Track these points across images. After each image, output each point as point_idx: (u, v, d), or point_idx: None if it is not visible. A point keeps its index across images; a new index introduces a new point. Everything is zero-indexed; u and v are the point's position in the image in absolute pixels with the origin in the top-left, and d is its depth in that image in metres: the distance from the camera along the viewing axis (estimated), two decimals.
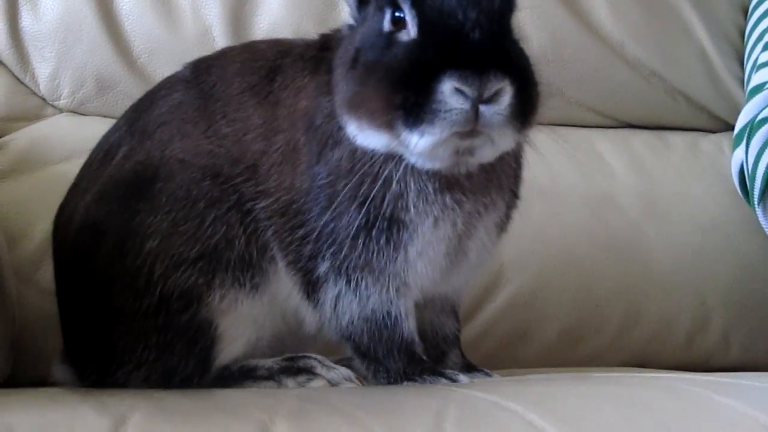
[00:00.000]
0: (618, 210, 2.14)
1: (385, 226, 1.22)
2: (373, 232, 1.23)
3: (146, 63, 2.21)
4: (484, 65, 1.05)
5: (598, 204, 2.15)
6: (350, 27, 1.28)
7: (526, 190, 1.41)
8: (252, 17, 2.23)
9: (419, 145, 1.08)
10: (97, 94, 2.22)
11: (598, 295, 2.04)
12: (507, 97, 1.06)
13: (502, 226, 1.35)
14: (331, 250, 1.26)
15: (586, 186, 2.18)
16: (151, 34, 2.20)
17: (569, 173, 2.19)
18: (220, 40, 2.19)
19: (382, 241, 1.23)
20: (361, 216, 1.22)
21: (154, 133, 1.38)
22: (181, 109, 1.38)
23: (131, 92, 2.13)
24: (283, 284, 1.35)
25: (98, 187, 1.37)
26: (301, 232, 1.29)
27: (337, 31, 1.36)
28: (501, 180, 1.29)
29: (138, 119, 1.43)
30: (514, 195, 1.35)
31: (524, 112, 1.10)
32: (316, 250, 1.28)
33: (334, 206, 1.23)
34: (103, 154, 1.43)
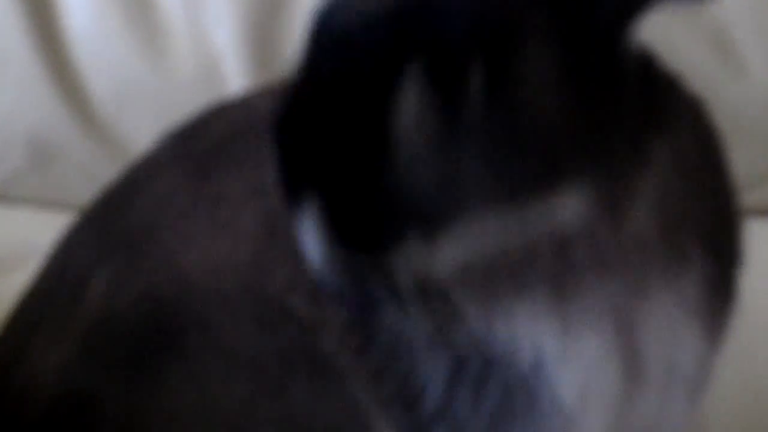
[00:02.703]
0: None
1: None
2: None
3: (113, 118, 1.75)
4: None
5: None
6: None
7: None
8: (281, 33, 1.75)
9: None
10: (32, 167, 1.80)
11: None
12: None
13: None
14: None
15: None
16: (120, 72, 1.74)
17: None
18: (236, 77, 1.75)
19: None
20: None
21: (147, 246, 1.06)
22: (174, 200, 1.08)
23: (88, 165, 1.75)
24: None
25: (77, 336, 1.06)
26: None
27: None
28: None
29: (111, 226, 1.11)
30: None
31: None
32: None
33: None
34: (67, 286, 1.10)
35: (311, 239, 0.78)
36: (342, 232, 0.78)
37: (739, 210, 0.95)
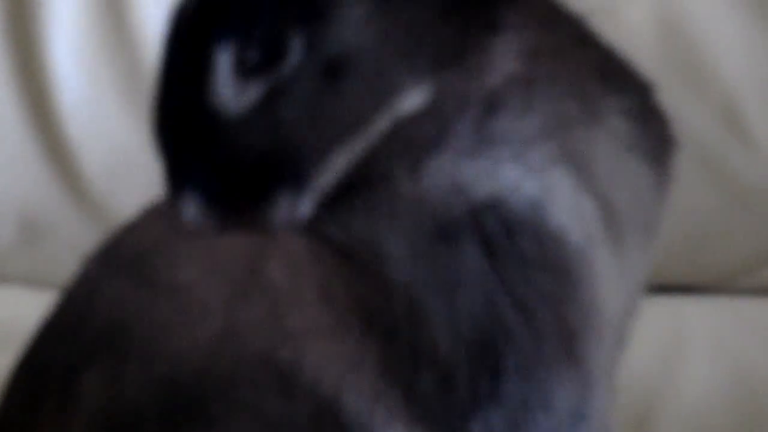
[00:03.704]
0: None
1: None
2: None
3: (105, 195, 1.74)
4: None
5: None
6: None
7: None
8: None
9: None
10: (23, 243, 1.77)
11: None
12: None
13: None
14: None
15: None
16: (113, 148, 1.73)
17: None
18: None
19: None
20: None
21: (127, 342, 0.99)
22: (128, 301, 1.01)
23: (80, 243, 1.38)
24: None
25: (82, 425, 0.98)
26: None
27: None
28: None
29: (76, 335, 1.02)
30: None
31: None
32: None
33: None
34: (52, 388, 1.02)
35: (198, 220, 0.82)
36: (224, 207, 0.82)
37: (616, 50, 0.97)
